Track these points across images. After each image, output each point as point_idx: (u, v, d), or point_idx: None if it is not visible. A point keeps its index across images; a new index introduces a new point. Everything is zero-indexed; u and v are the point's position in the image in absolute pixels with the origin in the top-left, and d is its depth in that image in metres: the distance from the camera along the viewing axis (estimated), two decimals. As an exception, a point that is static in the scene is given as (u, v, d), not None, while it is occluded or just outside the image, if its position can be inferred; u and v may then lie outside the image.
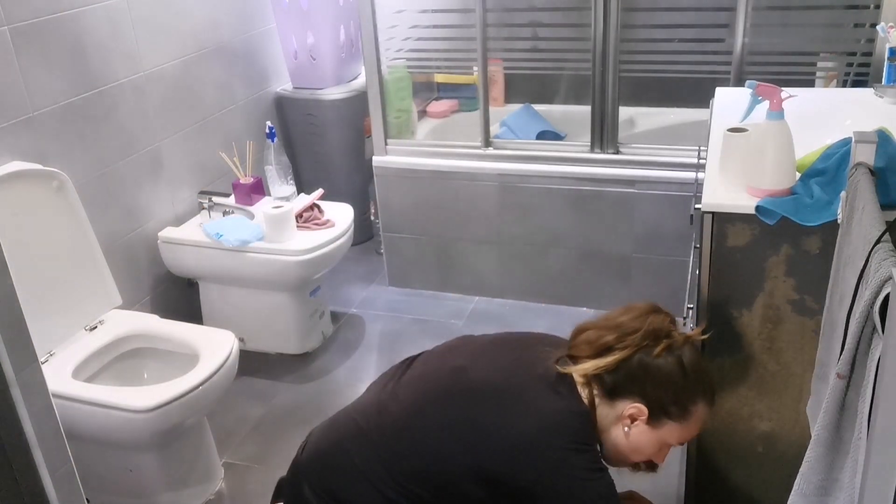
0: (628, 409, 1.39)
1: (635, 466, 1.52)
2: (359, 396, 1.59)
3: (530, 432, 1.33)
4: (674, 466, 2.16)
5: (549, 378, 1.39)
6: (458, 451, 1.35)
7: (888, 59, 2.03)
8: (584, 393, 1.40)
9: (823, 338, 1.38)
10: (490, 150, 2.88)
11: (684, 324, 1.48)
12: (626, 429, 1.40)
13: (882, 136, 1.33)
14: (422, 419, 1.40)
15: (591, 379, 1.40)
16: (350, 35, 3.20)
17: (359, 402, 1.54)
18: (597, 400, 1.40)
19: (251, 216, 2.65)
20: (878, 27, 2.10)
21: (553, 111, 3.30)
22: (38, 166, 2.08)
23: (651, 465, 1.53)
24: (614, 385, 1.39)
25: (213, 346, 2.03)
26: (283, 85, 3.27)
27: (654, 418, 1.39)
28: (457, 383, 1.43)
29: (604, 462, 1.44)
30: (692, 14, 2.58)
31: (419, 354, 1.58)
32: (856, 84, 2.44)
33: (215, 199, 2.70)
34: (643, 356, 1.39)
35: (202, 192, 2.75)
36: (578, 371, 1.40)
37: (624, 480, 2.14)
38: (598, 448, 1.42)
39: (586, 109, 2.72)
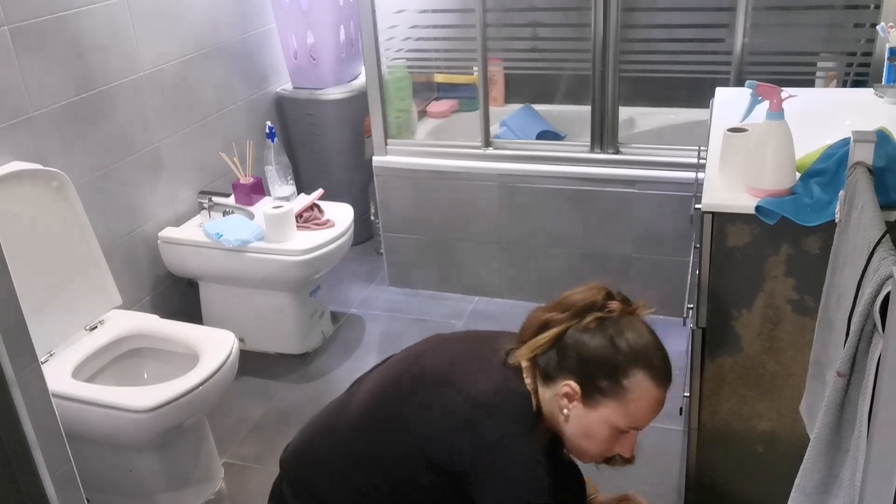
0: (562, 389, 1.30)
1: (609, 460, 1.39)
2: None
3: (466, 411, 1.30)
4: (674, 466, 2.16)
5: (496, 364, 1.36)
6: (406, 437, 1.35)
7: (888, 59, 2.03)
8: (528, 379, 1.34)
9: (819, 337, 1.38)
10: (490, 150, 2.88)
11: (650, 311, 1.38)
12: (564, 411, 1.31)
13: (881, 137, 1.33)
14: (374, 408, 1.41)
15: (531, 364, 1.35)
16: (350, 35, 3.20)
17: (335, 399, 1.57)
18: (539, 385, 1.34)
19: (251, 216, 2.65)
20: (878, 27, 2.10)
21: (553, 111, 3.30)
22: (38, 166, 2.08)
23: (626, 458, 1.41)
24: (547, 364, 1.33)
25: (213, 346, 2.03)
26: (283, 85, 3.27)
27: (587, 397, 1.29)
28: (408, 371, 1.43)
29: (570, 456, 1.41)
30: (692, 14, 2.58)
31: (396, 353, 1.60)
32: (856, 84, 2.44)
33: (215, 199, 2.70)
34: (574, 331, 1.31)
35: (202, 192, 2.75)
36: (518, 359, 1.35)
37: (623, 480, 2.15)
38: (544, 440, 1.34)
39: (586, 109, 2.72)
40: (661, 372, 1.30)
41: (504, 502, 1.27)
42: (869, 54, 2.38)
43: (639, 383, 1.28)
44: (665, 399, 1.32)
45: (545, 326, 1.35)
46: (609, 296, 1.35)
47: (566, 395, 1.30)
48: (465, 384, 1.34)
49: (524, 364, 1.35)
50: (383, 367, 1.52)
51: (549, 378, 1.33)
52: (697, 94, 2.65)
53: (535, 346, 1.34)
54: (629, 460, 1.38)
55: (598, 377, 1.28)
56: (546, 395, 1.33)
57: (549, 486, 1.27)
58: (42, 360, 1.97)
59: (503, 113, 3.22)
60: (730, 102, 2.00)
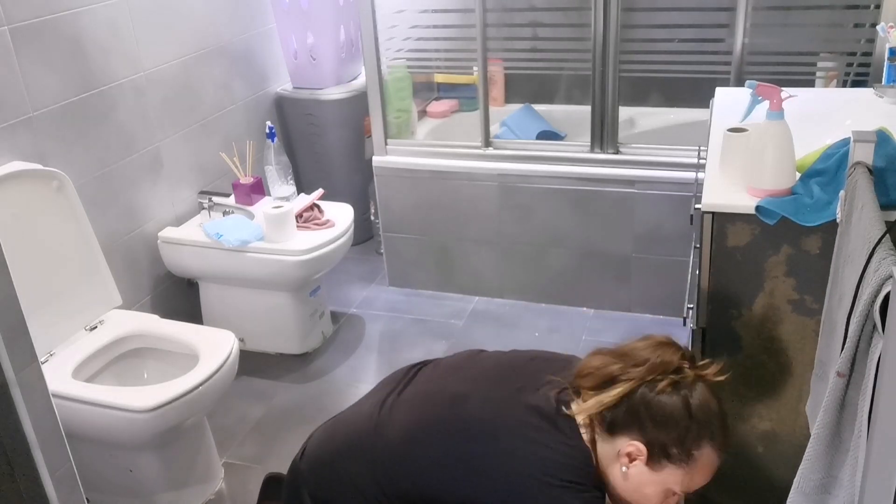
0: (626, 447, 1.29)
1: None
2: (360, 399, 1.58)
3: (526, 470, 1.29)
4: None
5: (549, 413, 1.33)
6: (452, 484, 1.33)
7: (888, 59, 2.03)
8: (585, 431, 1.33)
9: (823, 337, 1.38)
10: (490, 150, 2.88)
11: (703, 362, 1.36)
12: (623, 468, 1.31)
13: (881, 137, 1.33)
14: (416, 448, 1.38)
15: (593, 417, 1.33)
16: (350, 35, 3.20)
17: (359, 409, 1.52)
18: (597, 437, 1.33)
19: (251, 216, 2.65)
20: (878, 27, 2.10)
21: (553, 111, 3.30)
22: (38, 166, 2.08)
23: None
24: (614, 420, 1.31)
25: (213, 346, 2.03)
26: (283, 85, 3.27)
27: (653, 459, 1.29)
28: (453, 414, 1.39)
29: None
30: (692, 14, 2.58)
31: (425, 364, 1.55)
32: (856, 84, 2.44)
33: (215, 199, 2.70)
34: (646, 391, 1.29)
35: (202, 192, 2.75)
36: (580, 412, 1.33)
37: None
38: (601, 494, 1.34)
39: (586, 109, 2.72)
40: (725, 444, 1.32)
41: None
42: (869, 54, 2.38)
43: (706, 454, 1.29)
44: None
45: (612, 380, 1.32)
46: (683, 357, 1.34)
47: (629, 454, 1.30)
48: (522, 437, 1.31)
49: (580, 418, 1.33)
50: (417, 393, 1.47)
51: (612, 432, 1.31)
52: (697, 94, 2.64)
53: (603, 401, 1.31)
54: None
55: (668, 443, 1.28)
56: (605, 448, 1.32)
57: None
58: (42, 360, 1.97)
59: (503, 113, 3.22)
60: (730, 102, 2.00)
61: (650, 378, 1.30)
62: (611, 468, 1.33)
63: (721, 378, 1.34)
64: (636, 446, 1.29)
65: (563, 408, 1.33)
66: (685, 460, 1.28)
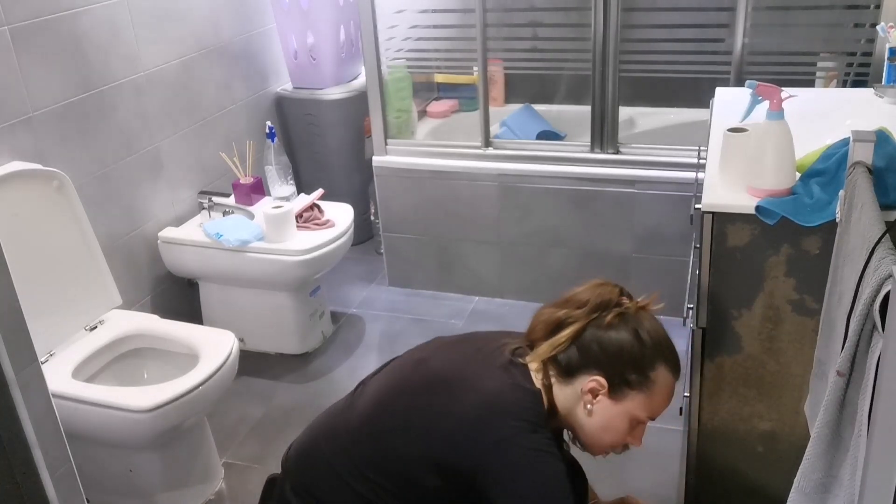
0: (587, 385, 1.33)
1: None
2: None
3: (472, 411, 1.30)
4: (674, 466, 2.16)
5: (503, 363, 1.37)
6: (412, 441, 1.34)
7: (888, 59, 2.03)
8: (539, 377, 1.36)
9: (822, 336, 1.38)
10: (490, 150, 2.88)
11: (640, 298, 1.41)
12: (588, 406, 1.35)
13: (881, 137, 1.33)
14: (380, 412, 1.40)
15: (546, 362, 1.36)
16: (350, 35, 3.20)
17: (338, 400, 1.56)
18: (553, 382, 1.36)
19: (251, 216, 2.65)
20: (878, 27, 2.10)
21: (553, 111, 3.30)
22: (38, 166, 2.08)
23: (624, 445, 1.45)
24: (569, 362, 1.35)
25: (213, 346, 2.03)
26: (283, 85, 3.27)
27: (614, 390, 1.33)
28: (416, 374, 1.42)
29: (582, 449, 1.43)
30: (692, 14, 2.58)
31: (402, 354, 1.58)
32: (856, 84, 2.44)
33: (215, 199, 2.70)
34: (594, 328, 1.34)
35: (202, 192, 2.75)
36: (533, 359, 1.37)
37: (624, 480, 2.15)
38: (552, 436, 1.34)
39: (586, 109, 2.72)
40: (677, 363, 1.38)
41: (523, 496, 1.27)
42: (869, 54, 2.38)
43: (662, 376, 1.34)
44: (673, 395, 1.39)
45: (560, 325, 1.37)
46: (622, 293, 1.39)
47: (591, 390, 1.34)
48: (472, 386, 1.33)
49: (534, 364, 1.36)
50: (387, 369, 1.51)
51: (570, 374, 1.35)
52: (697, 94, 2.65)
53: (555, 344, 1.36)
54: (626, 447, 1.43)
55: (627, 371, 1.33)
56: (564, 391, 1.36)
57: (563, 473, 1.30)
58: (42, 360, 1.97)
59: (503, 113, 3.22)
60: (730, 102, 2.00)
61: (595, 316, 1.35)
62: (575, 411, 1.36)
63: (659, 306, 1.41)
64: (597, 381, 1.33)
65: (518, 359, 1.37)
66: (645, 384, 1.33)
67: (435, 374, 1.39)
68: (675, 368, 1.37)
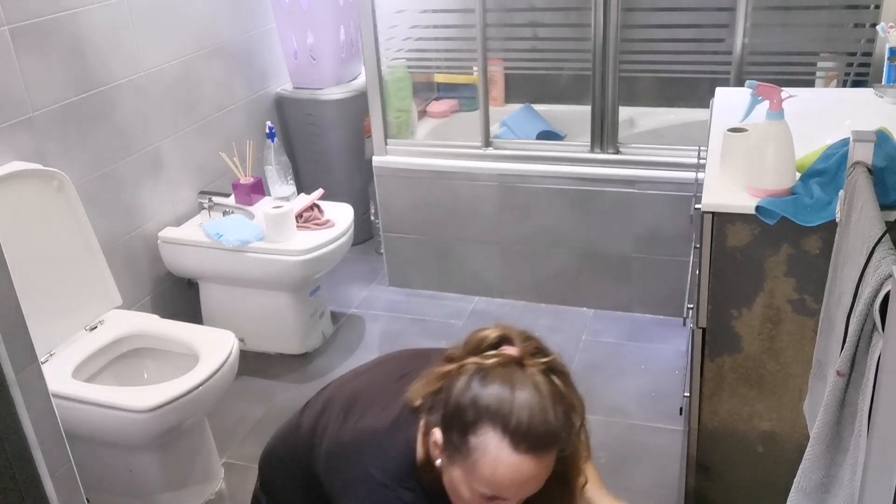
0: (434, 435, 1.15)
1: None
2: None
3: (346, 440, 1.23)
4: (674, 466, 2.16)
5: (401, 398, 1.24)
6: (311, 456, 1.32)
7: (888, 59, 2.03)
8: (423, 423, 1.20)
9: (821, 336, 1.38)
10: (490, 150, 2.88)
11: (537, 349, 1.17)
12: (438, 461, 1.16)
13: (881, 137, 1.33)
14: (317, 418, 1.37)
15: (423, 405, 1.20)
16: (350, 35, 3.20)
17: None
18: (423, 428, 1.20)
19: (251, 216, 2.65)
20: (878, 27, 2.10)
21: (553, 111, 3.29)
22: (38, 166, 2.08)
23: None
24: (432, 406, 1.18)
25: (213, 346, 2.03)
26: (283, 85, 3.27)
27: (446, 449, 1.13)
28: (345, 388, 1.38)
29: None
30: (692, 14, 2.58)
31: None
32: (856, 84, 2.44)
33: (215, 199, 2.70)
34: (455, 373, 1.15)
35: (202, 192, 2.75)
36: (412, 394, 1.21)
37: (624, 480, 2.15)
38: (425, 490, 1.20)
39: (586, 109, 2.72)
40: (519, 434, 1.07)
41: None
42: (869, 54, 2.38)
43: (488, 444, 1.08)
44: (539, 472, 1.11)
45: (449, 360, 1.19)
46: (505, 339, 1.17)
47: (435, 443, 1.15)
48: (364, 414, 1.26)
49: (419, 404, 1.21)
50: (341, 377, 1.50)
51: (430, 423, 1.17)
52: (697, 94, 2.65)
53: (427, 384, 1.19)
54: None
55: (453, 430, 1.12)
56: (428, 439, 1.19)
57: None
58: (42, 360, 1.97)
59: (503, 113, 3.22)
60: (730, 102, 2.00)
61: (468, 361, 1.15)
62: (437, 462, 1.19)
63: (540, 366, 1.13)
64: (436, 435, 1.15)
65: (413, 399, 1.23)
66: (464, 450, 1.10)
67: (353, 391, 1.34)
68: (513, 438, 1.07)
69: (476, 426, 1.09)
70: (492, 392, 1.09)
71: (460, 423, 1.10)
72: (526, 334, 1.19)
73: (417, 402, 1.20)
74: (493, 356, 1.14)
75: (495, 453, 1.08)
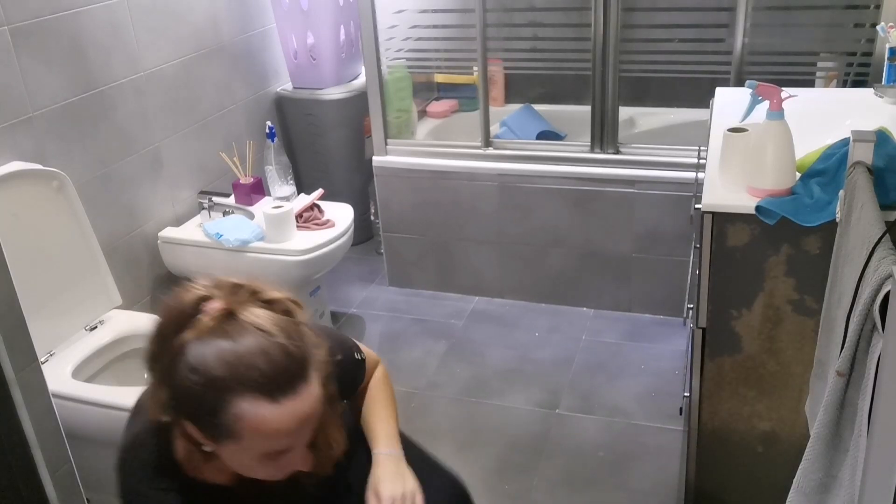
0: (186, 428, 1.03)
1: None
2: None
3: (120, 450, 1.19)
4: (674, 466, 2.16)
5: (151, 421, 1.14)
6: None
7: (888, 59, 2.03)
8: None
9: (822, 336, 1.38)
10: (490, 150, 2.88)
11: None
12: (207, 448, 1.05)
13: (881, 137, 1.33)
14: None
15: None
16: (350, 35, 3.20)
17: None
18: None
19: (251, 216, 2.65)
20: (878, 27, 2.10)
21: (553, 111, 3.30)
22: (38, 166, 2.08)
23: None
24: (175, 410, 1.05)
25: (213, 346, 2.03)
26: (283, 85, 3.27)
27: (209, 437, 1.03)
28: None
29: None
30: (692, 14, 2.58)
31: None
32: (856, 84, 2.44)
33: (215, 199, 2.70)
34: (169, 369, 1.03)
35: (202, 192, 2.75)
36: (153, 415, 1.10)
37: (624, 479, 2.14)
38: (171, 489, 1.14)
39: (586, 109, 2.72)
40: (267, 385, 0.96)
41: None
42: (869, 54, 2.38)
43: (244, 412, 0.96)
44: (310, 405, 1.01)
45: (155, 358, 1.09)
46: (203, 300, 1.05)
47: (192, 436, 1.04)
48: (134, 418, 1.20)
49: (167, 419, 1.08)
50: None
51: (181, 424, 1.06)
52: (697, 94, 2.65)
53: (155, 398, 1.06)
54: (321, 466, 1.13)
55: (202, 419, 0.99)
56: None
57: None
58: (42, 360, 1.97)
59: (503, 113, 3.22)
60: (730, 102, 2.00)
61: (173, 345, 1.04)
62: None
63: (258, 305, 1.05)
64: (187, 427, 1.04)
65: None
66: (228, 434, 0.99)
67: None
68: (266, 392, 0.96)
69: (221, 403, 0.96)
70: (214, 361, 0.96)
71: (204, 409, 0.98)
72: (234, 284, 1.08)
73: (165, 418, 1.05)
74: (196, 324, 1.01)
75: (256, 416, 0.96)
